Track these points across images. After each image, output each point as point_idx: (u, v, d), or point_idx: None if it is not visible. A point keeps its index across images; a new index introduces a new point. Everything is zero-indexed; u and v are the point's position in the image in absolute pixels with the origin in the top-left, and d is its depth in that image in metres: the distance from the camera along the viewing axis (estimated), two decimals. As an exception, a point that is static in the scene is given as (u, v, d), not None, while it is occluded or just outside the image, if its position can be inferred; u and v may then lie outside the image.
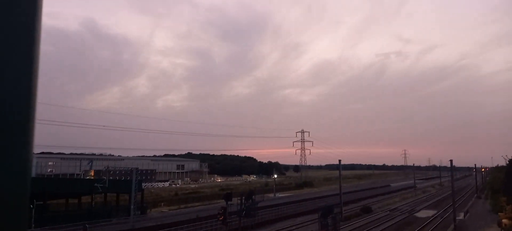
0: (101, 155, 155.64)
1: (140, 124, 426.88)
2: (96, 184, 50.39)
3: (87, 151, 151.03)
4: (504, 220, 41.15)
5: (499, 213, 47.64)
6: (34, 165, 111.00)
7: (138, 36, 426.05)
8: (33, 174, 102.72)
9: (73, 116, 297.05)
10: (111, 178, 78.34)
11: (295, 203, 71.61)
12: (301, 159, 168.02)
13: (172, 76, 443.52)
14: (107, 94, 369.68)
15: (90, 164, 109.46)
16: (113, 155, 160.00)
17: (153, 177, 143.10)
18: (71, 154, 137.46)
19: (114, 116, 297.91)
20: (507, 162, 50.18)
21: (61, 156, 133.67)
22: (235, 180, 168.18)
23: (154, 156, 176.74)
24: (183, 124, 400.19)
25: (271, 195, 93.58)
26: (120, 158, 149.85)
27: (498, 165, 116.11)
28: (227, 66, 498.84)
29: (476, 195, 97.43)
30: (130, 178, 55.72)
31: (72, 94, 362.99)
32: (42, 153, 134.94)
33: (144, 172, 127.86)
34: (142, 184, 63.91)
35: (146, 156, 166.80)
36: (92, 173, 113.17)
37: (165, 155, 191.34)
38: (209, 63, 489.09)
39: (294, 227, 49.58)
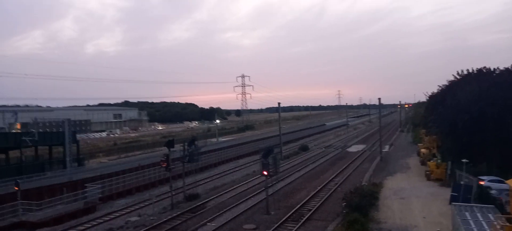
0: (26, 106, 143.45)
1: (69, 71, 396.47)
2: (24, 138, 46.81)
3: (9, 103, 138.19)
4: (422, 150, 46.41)
5: (418, 144, 53.48)
6: None
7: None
8: None
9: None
10: (40, 130, 73.09)
11: (238, 146, 73.52)
12: (242, 104, 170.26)
13: (103, 18, 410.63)
14: (27, 38, 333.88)
15: (14, 116, 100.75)
16: (40, 106, 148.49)
17: (88, 128, 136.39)
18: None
19: (37, 62, 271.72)
20: (428, 98, 55.54)
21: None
22: (176, 127, 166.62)
23: (88, 105, 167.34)
24: (118, 70, 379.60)
25: (214, 139, 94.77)
26: (49, 109, 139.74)
27: (419, 101, 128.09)
28: (163, 7, 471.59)
29: (399, 129, 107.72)
30: (62, 129, 52.46)
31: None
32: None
33: (77, 122, 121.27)
34: (77, 135, 60.90)
35: (79, 106, 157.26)
36: (18, 126, 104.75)
37: (100, 104, 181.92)
38: (143, 3, 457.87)
39: (237, 168, 51.36)
